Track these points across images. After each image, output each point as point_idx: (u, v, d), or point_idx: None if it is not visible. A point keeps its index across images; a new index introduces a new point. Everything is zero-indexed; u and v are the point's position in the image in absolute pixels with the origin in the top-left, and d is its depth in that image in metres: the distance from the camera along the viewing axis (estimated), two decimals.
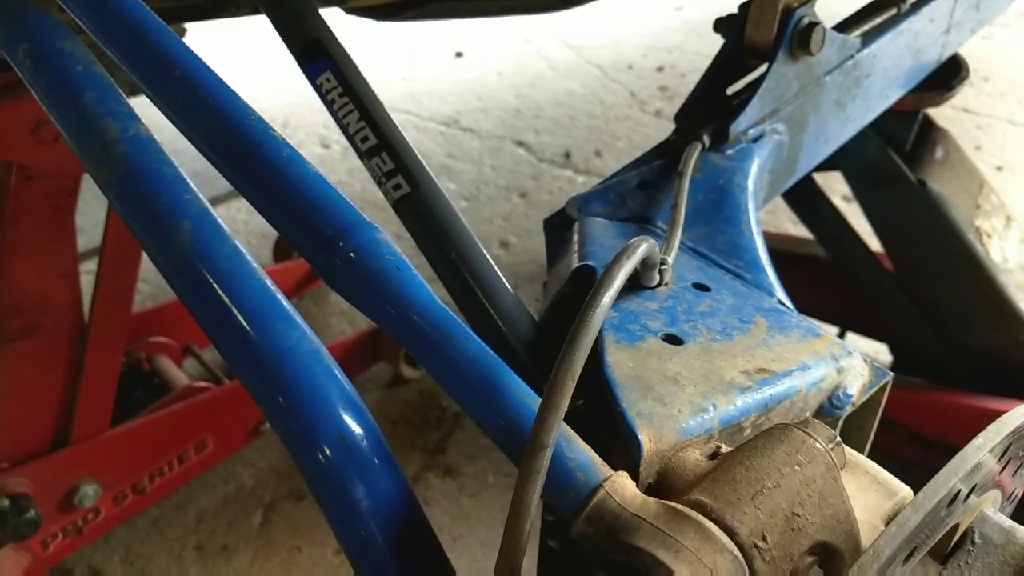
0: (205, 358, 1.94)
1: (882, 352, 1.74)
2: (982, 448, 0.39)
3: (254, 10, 1.07)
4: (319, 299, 2.23)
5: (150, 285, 2.27)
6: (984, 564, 0.45)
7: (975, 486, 0.41)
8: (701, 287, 0.68)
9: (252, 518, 1.65)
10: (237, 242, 0.64)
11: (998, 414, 1.33)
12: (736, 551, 0.40)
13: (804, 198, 1.51)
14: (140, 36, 0.67)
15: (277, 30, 0.84)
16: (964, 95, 2.90)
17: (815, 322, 0.67)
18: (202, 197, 0.66)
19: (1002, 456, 0.43)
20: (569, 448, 0.43)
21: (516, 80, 3.32)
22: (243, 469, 1.76)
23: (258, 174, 0.61)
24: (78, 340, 1.39)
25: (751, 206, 0.84)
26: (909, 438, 1.58)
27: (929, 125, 1.40)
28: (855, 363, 0.62)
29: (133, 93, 0.99)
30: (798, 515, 0.42)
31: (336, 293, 0.55)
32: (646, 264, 0.62)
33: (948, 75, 1.30)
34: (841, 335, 1.82)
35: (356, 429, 0.57)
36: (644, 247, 0.50)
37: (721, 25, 0.98)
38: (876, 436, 1.74)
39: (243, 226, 2.50)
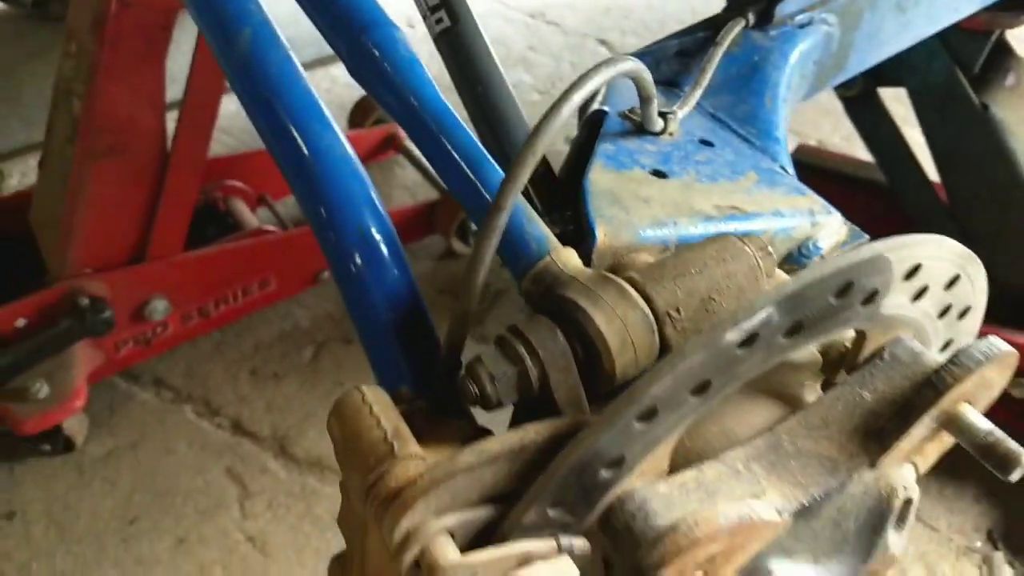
0: (278, 209, 2.07)
1: None
2: (878, 250, 0.44)
3: None
4: (385, 171, 2.32)
5: (234, 139, 2.40)
6: (887, 376, 0.50)
7: (876, 292, 0.46)
8: (706, 143, 0.73)
9: (303, 352, 1.80)
10: (290, 52, 0.72)
11: None
12: (648, 312, 0.46)
13: (868, 116, 1.50)
14: None
15: None
16: None
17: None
18: (264, 9, 0.74)
19: (911, 275, 0.48)
20: (529, 224, 0.51)
21: None
22: (300, 311, 1.89)
23: None
24: (160, 165, 1.51)
25: (783, 85, 0.87)
26: None
27: (1004, 49, 1.36)
28: (833, 221, 0.67)
29: None
30: (714, 299, 0.48)
31: (357, 83, 0.62)
32: (647, 106, 0.67)
33: None
34: None
35: (372, 225, 0.65)
36: (629, 64, 0.55)
37: None
38: None
39: (325, 94, 2.59)
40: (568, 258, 0.49)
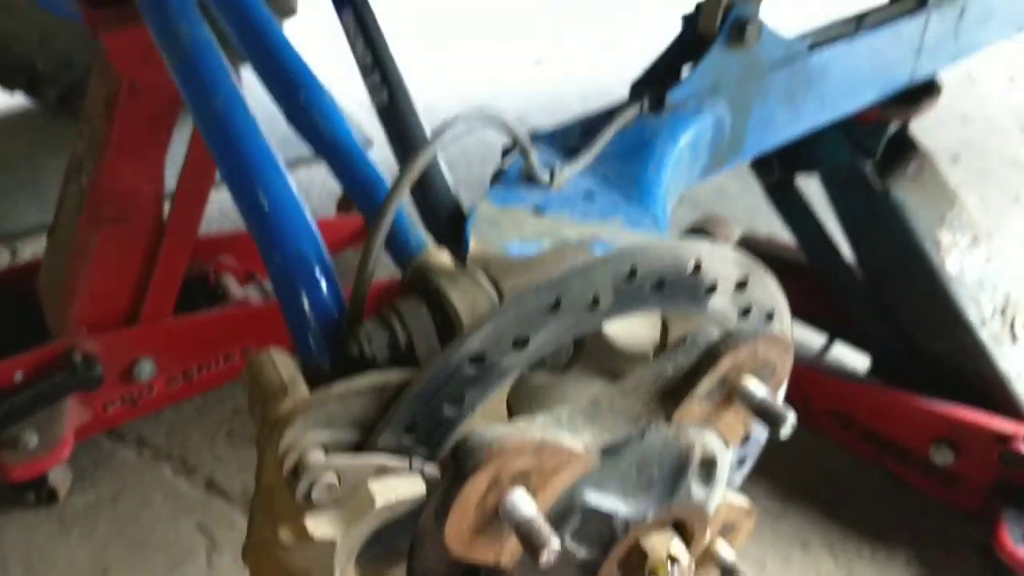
0: (267, 287, 2.22)
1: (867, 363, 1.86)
2: (654, 244, 0.59)
3: None
4: None
5: (231, 223, 2.59)
6: (687, 354, 0.64)
7: (663, 280, 0.60)
8: (589, 196, 0.88)
9: None
10: (253, 115, 0.89)
11: (942, 417, 1.53)
12: (494, 294, 0.61)
13: (786, 199, 1.66)
14: None
15: None
16: (1017, 149, 2.95)
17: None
18: (234, 80, 0.91)
19: (696, 270, 0.62)
20: (413, 230, 0.66)
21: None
22: None
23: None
24: (156, 234, 1.68)
25: (669, 157, 1.03)
26: (864, 436, 1.70)
27: (909, 144, 1.54)
28: None
29: None
30: None
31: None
32: (526, 157, 0.82)
33: (922, 93, 1.45)
34: (830, 343, 1.96)
35: (308, 248, 0.80)
36: (460, 123, 0.68)
37: (685, 19, 1.18)
38: (834, 431, 2.00)
39: (319, 187, 2.80)
40: (440, 255, 0.64)
